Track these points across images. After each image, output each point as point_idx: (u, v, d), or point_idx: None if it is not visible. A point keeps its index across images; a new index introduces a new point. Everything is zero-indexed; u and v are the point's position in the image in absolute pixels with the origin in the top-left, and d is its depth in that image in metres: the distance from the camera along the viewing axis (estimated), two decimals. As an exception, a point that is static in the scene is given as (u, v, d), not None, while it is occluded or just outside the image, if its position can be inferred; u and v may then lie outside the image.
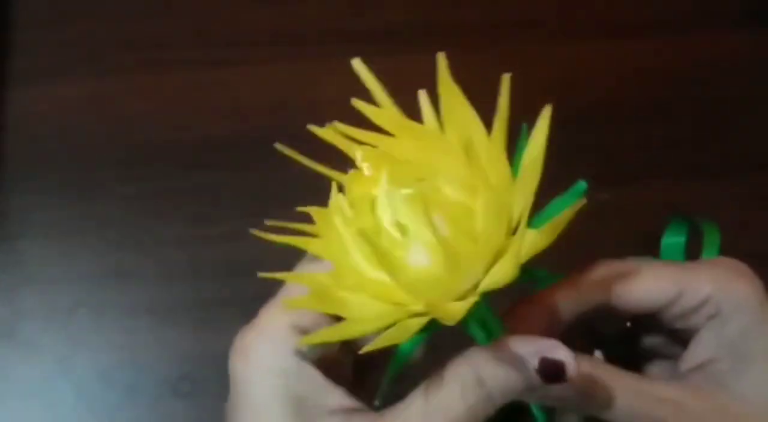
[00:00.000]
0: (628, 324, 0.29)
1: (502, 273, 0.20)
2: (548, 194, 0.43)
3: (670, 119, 0.47)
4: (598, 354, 0.29)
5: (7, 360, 0.39)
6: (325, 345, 0.22)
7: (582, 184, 0.22)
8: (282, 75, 0.45)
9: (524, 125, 0.22)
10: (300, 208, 0.22)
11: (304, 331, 0.22)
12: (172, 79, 0.45)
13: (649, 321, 0.27)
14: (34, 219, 0.42)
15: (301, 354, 0.22)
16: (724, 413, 0.22)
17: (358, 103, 0.22)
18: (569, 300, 0.24)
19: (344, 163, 0.23)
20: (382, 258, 0.19)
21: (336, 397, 0.22)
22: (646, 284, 0.24)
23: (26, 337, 0.39)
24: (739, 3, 0.50)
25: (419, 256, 0.20)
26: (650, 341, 0.28)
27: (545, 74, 0.47)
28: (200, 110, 0.44)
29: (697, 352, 0.24)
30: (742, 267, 0.24)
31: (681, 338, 0.25)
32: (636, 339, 0.28)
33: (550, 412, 0.26)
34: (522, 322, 0.24)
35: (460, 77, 0.49)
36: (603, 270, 0.25)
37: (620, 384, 0.23)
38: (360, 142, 0.22)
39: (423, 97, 0.22)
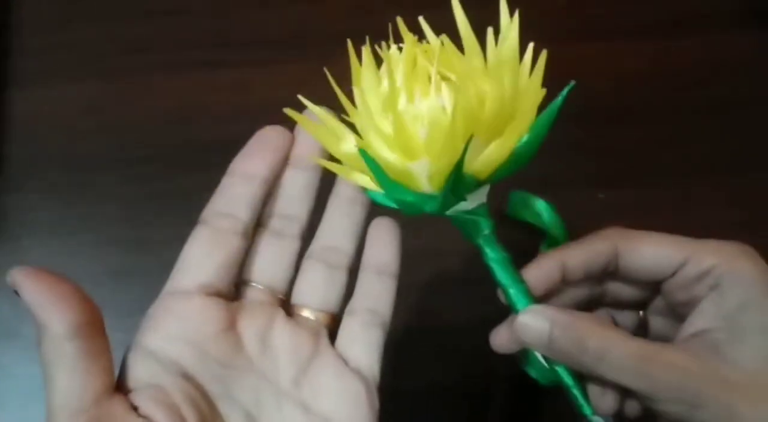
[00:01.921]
0: (641, 313, 0.29)
1: (497, 151, 0.24)
2: (549, 193, 0.43)
3: (670, 119, 0.47)
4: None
5: (9, 358, 0.39)
6: None
7: (571, 86, 0.26)
8: (282, 76, 0.45)
9: None
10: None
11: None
12: (172, 80, 0.45)
13: (659, 308, 0.28)
14: (35, 219, 0.42)
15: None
16: (718, 377, 0.23)
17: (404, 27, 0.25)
18: (579, 255, 0.26)
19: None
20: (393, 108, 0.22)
21: None
22: (654, 248, 0.25)
23: (28, 336, 0.39)
24: (739, 3, 0.50)
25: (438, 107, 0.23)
26: (659, 327, 0.29)
27: (544, 75, 0.47)
28: (201, 111, 0.44)
29: (695, 322, 0.24)
30: (749, 248, 0.25)
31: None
32: (647, 329, 0.29)
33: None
34: (538, 274, 0.26)
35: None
36: (612, 231, 0.26)
37: (627, 346, 0.23)
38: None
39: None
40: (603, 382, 0.25)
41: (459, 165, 0.22)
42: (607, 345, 0.23)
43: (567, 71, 0.47)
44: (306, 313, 0.26)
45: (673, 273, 0.25)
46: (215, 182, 0.42)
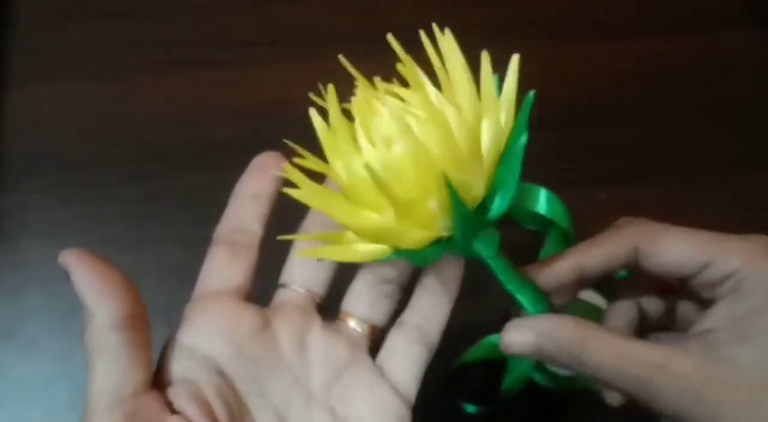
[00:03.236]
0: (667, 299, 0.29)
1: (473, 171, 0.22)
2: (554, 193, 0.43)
3: (670, 119, 0.47)
4: (590, 294, 0.30)
5: (7, 359, 0.39)
6: None
7: (531, 95, 0.23)
8: (282, 75, 0.45)
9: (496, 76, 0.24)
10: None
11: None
12: (171, 79, 0.45)
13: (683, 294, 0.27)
14: (35, 218, 0.42)
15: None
16: (706, 375, 0.22)
17: (344, 60, 0.24)
18: (597, 256, 0.25)
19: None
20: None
21: None
22: (675, 249, 0.24)
23: (27, 337, 0.39)
24: (739, 3, 0.50)
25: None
26: (684, 313, 0.28)
27: (544, 74, 0.47)
28: (200, 110, 0.44)
29: (706, 321, 0.24)
30: None
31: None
32: (675, 313, 0.29)
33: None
34: (552, 274, 0.26)
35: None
36: (632, 227, 0.25)
37: (607, 345, 0.24)
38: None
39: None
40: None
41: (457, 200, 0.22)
42: (588, 348, 0.24)
43: (567, 71, 0.47)
44: (352, 323, 0.26)
45: (697, 273, 0.24)
46: (215, 182, 0.42)
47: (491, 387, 0.37)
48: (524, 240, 0.42)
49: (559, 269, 0.26)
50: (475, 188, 0.22)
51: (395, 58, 0.24)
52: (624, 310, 0.28)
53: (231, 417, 0.22)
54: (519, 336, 0.25)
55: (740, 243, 0.24)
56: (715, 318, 0.24)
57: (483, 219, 0.23)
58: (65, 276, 0.22)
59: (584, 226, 0.39)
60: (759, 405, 0.22)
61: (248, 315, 0.24)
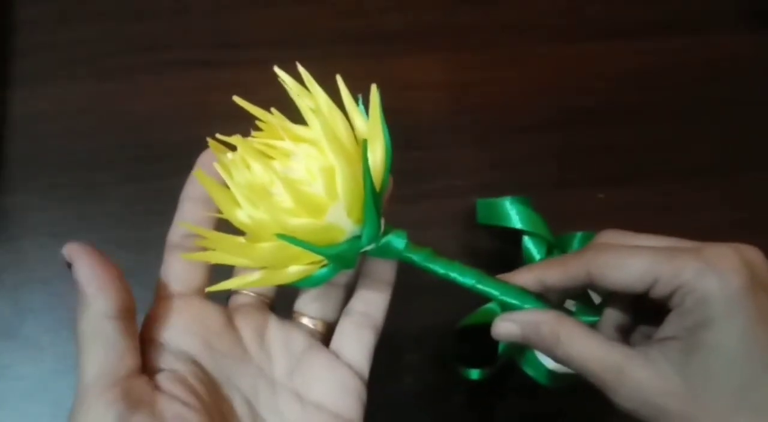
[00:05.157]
0: None
1: (379, 155, 0.25)
2: (548, 194, 0.43)
3: (670, 119, 0.47)
4: (570, 304, 0.32)
5: (8, 358, 0.39)
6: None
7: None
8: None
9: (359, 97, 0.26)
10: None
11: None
12: (172, 79, 0.45)
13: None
14: (35, 218, 0.42)
15: None
16: (656, 383, 0.25)
17: (240, 101, 0.27)
18: (556, 276, 0.28)
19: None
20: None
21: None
22: (624, 273, 0.26)
23: (27, 336, 0.39)
24: (739, 3, 0.50)
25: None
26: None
27: (544, 74, 0.47)
28: (200, 110, 0.44)
29: (666, 328, 0.26)
30: (727, 258, 0.24)
31: None
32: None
33: None
34: (519, 282, 0.28)
35: (457, 77, 0.49)
36: (590, 254, 0.27)
37: (576, 343, 0.26)
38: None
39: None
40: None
41: (368, 176, 0.24)
42: (561, 343, 0.26)
43: (567, 71, 0.48)
44: (305, 320, 0.29)
45: (648, 289, 0.26)
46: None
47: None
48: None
49: (524, 280, 0.28)
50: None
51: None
52: (614, 310, 0.29)
53: (211, 397, 0.24)
54: (507, 328, 0.28)
55: (688, 260, 0.25)
56: (671, 327, 0.25)
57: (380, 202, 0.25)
58: (67, 267, 0.24)
59: (584, 227, 0.40)
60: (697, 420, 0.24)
61: (214, 314, 0.26)
